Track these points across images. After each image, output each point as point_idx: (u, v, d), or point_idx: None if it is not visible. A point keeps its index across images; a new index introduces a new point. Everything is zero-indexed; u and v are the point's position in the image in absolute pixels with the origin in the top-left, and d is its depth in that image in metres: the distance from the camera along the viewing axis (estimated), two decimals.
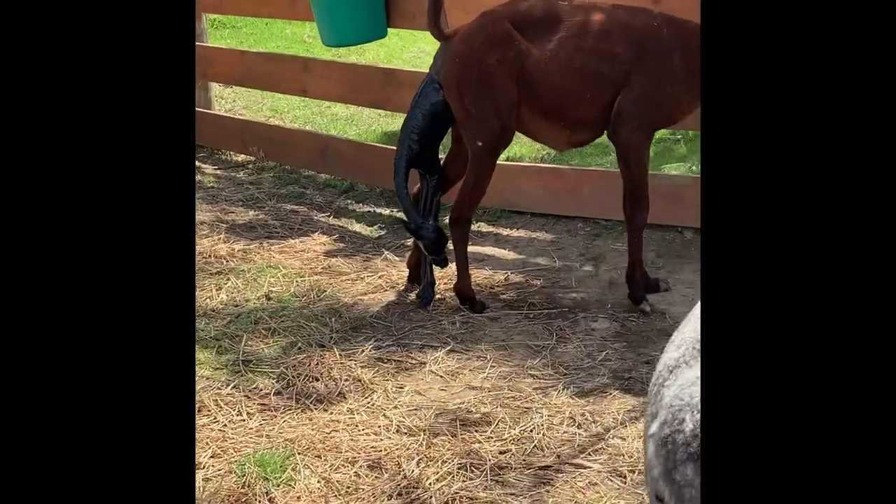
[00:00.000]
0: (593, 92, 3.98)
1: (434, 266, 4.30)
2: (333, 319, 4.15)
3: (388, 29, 5.61)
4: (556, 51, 3.98)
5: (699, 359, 1.84)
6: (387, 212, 5.59)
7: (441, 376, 3.65)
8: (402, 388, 3.57)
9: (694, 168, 5.76)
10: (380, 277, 4.64)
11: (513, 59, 3.98)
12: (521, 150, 6.05)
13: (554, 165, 5.56)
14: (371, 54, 9.19)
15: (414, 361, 3.78)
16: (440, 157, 4.40)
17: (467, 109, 4.06)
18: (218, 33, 10.52)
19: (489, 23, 4.05)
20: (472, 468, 3.01)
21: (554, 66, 3.97)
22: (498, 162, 4.25)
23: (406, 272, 4.55)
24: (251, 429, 3.30)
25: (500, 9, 4.10)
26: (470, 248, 4.33)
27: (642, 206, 4.07)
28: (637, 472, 2.93)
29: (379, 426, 3.29)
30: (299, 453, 3.10)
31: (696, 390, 1.79)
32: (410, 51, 9.69)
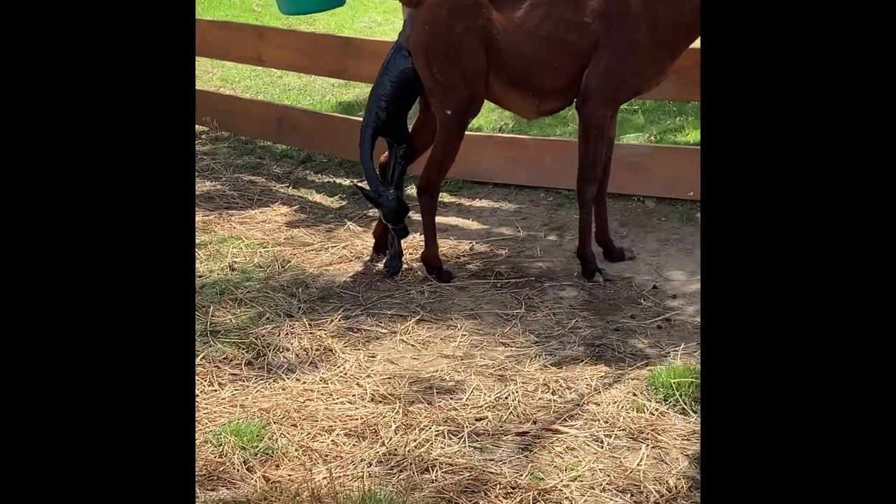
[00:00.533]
0: (561, 61, 3.97)
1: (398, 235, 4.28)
2: (300, 290, 4.12)
3: None
4: (525, 19, 3.95)
5: None
6: (347, 182, 5.55)
7: (412, 345, 3.65)
8: (373, 357, 3.56)
9: (653, 138, 5.81)
10: (344, 248, 4.61)
11: (481, 26, 3.96)
12: (480, 120, 6.04)
13: (516, 136, 5.56)
14: (321, 24, 9.08)
15: (384, 331, 3.76)
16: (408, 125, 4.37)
17: (435, 78, 4.03)
18: None
19: None
20: (450, 435, 3.01)
21: (522, 34, 3.95)
22: None
23: (371, 242, 4.52)
24: (224, 399, 3.26)
25: None
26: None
27: (592, 181, 4.08)
28: (613, 436, 2.96)
29: (353, 395, 3.27)
30: (275, 422, 3.07)
31: None
32: (361, 20, 9.61)
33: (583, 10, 3.93)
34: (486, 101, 4.18)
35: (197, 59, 7.88)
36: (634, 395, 3.16)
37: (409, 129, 4.33)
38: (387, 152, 4.34)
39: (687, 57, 4.15)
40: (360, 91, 7.28)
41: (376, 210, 4.31)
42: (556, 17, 3.95)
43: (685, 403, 3.06)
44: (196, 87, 7.20)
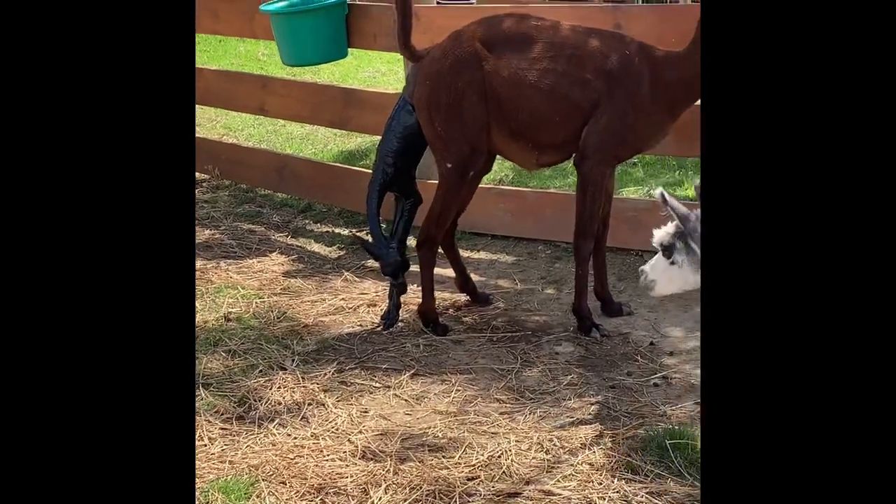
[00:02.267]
0: (562, 115, 3.95)
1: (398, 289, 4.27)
2: (294, 341, 4.09)
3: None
4: (527, 72, 3.94)
5: None
6: (345, 232, 5.53)
7: (406, 400, 3.61)
8: (366, 412, 3.52)
9: (651, 192, 5.80)
10: (341, 299, 4.59)
11: (482, 79, 3.95)
12: None
13: (515, 188, 5.56)
14: (326, 73, 9.14)
15: (378, 385, 3.73)
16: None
17: (437, 131, 4.04)
18: None
19: (458, 43, 4.02)
20: (441, 495, 2.96)
21: (524, 86, 3.94)
22: None
23: (366, 294, 4.50)
24: (213, 454, 3.22)
25: (470, 28, 4.07)
26: None
27: (588, 237, 4.06)
28: (607, 498, 2.91)
29: (344, 451, 3.23)
30: (264, 480, 3.03)
31: None
32: (366, 70, 9.67)
33: (586, 67, 3.92)
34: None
35: (201, 107, 7.95)
36: (629, 455, 3.11)
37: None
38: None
39: (686, 114, 4.15)
40: (362, 140, 7.31)
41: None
42: (559, 72, 3.93)
43: (681, 466, 3.00)
44: (199, 136, 7.27)
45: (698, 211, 2.98)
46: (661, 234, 3.15)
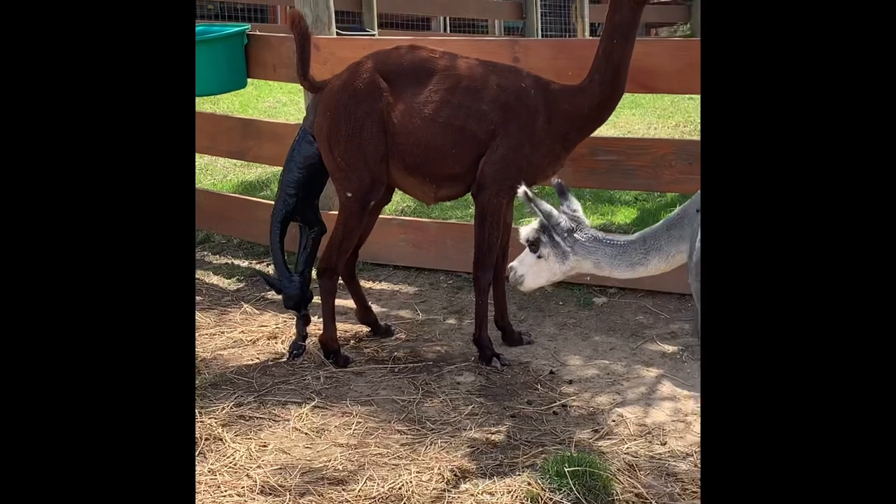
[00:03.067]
0: (458, 148, 3.98)
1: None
2: None
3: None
4: (423, 104, 3.97)
5: None
6: (245, 263, 5.47)
7: (306, 433, 3.56)
8: (265, 446, 3.46)
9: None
10: (240, 332, 4.52)
11: (381, 110, 3.97)
12: None
13: (417, 218, 5.58)
14: (225, 104, 9.04)
15: (277, 418, 3.67)
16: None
17: (337, 161, 4.03)
18: None
19: (357, 74, 4.03)
20: None
21: (420, 119, 3.97)
22: None
23: (266, 326, 4.44)
24: None
25: (369, 59, 4.09)
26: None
27: (487, 268, 4.09)
28: None
29: (243, 486, 3.17)
30: None
31: None
32: (266, 100, 9.60)
33: (482, 99, 3.97)
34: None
35: None
36: (529, 483, 3.12)
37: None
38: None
39: (583, 145, 4.24)
40: (262, 171, 7.25)
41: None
42: (455, 104, 3.97)
43: (578, 493, 3.03)
44: None
45: (563, 207, 3.29)
46: (527, 230, 3.32)
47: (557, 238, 3.24)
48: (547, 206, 3.26)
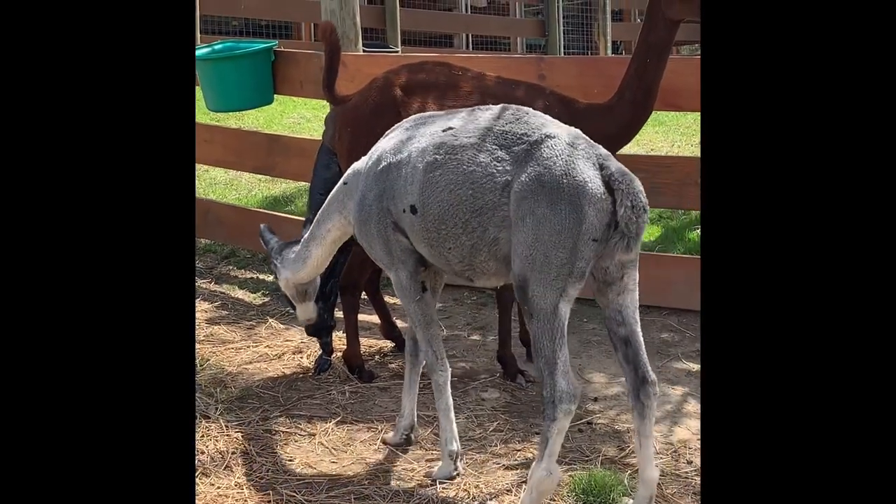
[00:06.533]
0: None
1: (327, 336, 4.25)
2: (218, 389, 4.03)
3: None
4: None
5: None
6: (270, 278, 5.49)
7: (332, 448, 3.58)
8: (291, 460, 3.48)
9: None
10: (266, 346, 4.54)
11: None
12: None
13: None
14: (250, 119, 9.11)
15: (303, 433, 3.69)
16: None
17: None
18: None
19: (378, 89, 4.06)
20: None
21: None
22: None
23: (291, 341, 4.46)
24: None
25: (390, 74, 4.11)
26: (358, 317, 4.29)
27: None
28: None
29: (269, 501, 3.18)
30: None
31: None
32: (290, 116, 9.66)
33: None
34: None
35: None
36: (555, 500, 3.12)
37: None
38: None
39: None
40: (286, 186, 7.29)
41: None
42: None
43: None
44: None
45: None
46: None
47: (277, 263, 3.67)
48: (267, 237, 3.71)
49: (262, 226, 3.78)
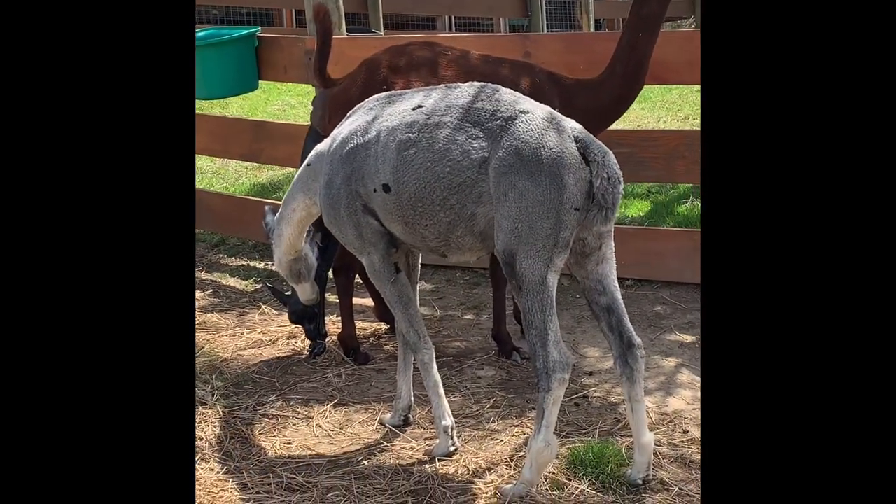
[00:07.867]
0: None
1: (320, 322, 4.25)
2: (214, 376, 4.03)
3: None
4: None
5: None
6: (261, 265, 5.49)
7: (329, 430, 3.59)
8: (290, 443, 3.49)
9: None
10: (259, 332, 4.54)
11: None
12: None
13: None
14: (235, 107, 9.08)
15: (300, 416, 3.70)
16: None
17: None
18: None
19: (367, 71, 4.05)
20: None
21: None
22: None
23: (285, 326, 4.47)
24: None
25: (380, 56, 4.11)
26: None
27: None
28: None
29: (269, 484, 3.19)
30: None
31: None
32: (275, 103, 9.64)
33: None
34: None
35: None
36: (553, 473, 3.14)
37: None
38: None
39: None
40: (274, 173, 7.27)
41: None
42: None
43: (604, 481, 3.05)
44: None
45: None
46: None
47: (271, 240, 3.73)
48: (267, 218, 3.74)
49: (265, 208, 3.81)
